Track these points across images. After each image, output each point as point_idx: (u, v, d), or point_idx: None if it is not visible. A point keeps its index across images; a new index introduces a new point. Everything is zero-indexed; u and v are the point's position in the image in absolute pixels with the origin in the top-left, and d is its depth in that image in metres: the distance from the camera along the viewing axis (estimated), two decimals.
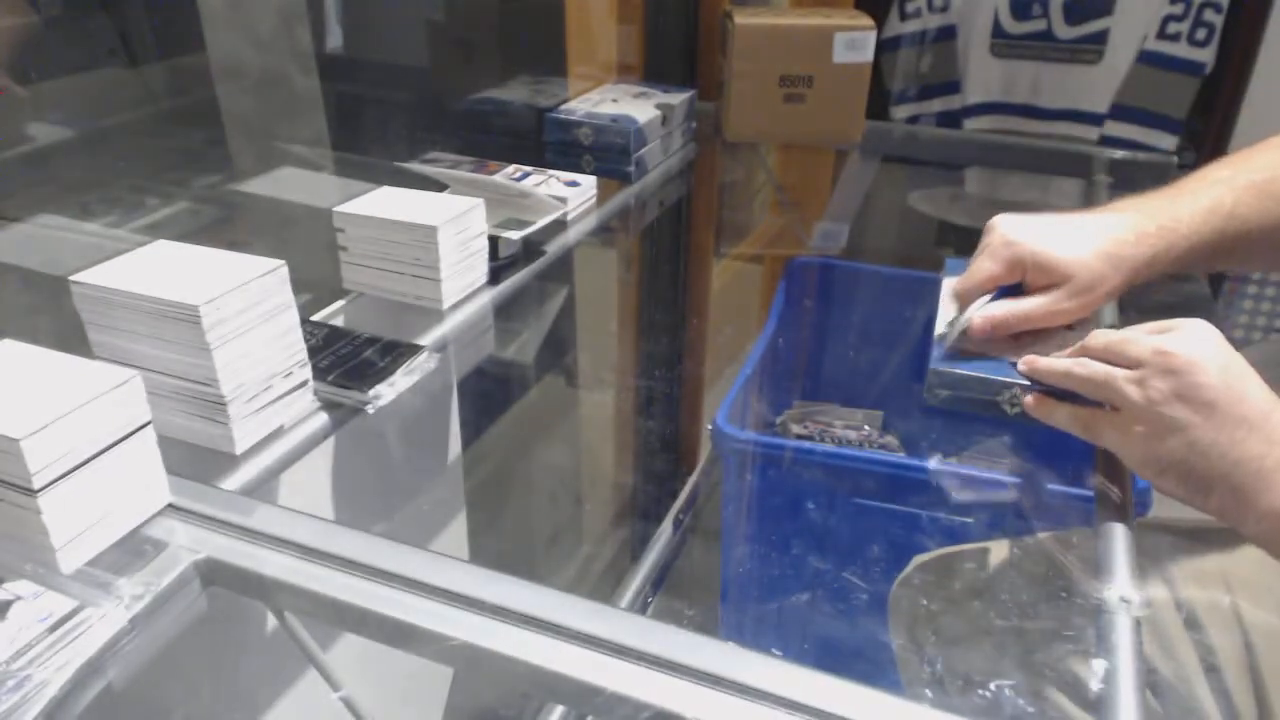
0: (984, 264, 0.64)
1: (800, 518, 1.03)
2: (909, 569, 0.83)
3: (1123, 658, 0.45)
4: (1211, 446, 0.51)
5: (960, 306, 0.64)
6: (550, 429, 1.46)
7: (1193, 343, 0.52)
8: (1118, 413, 0.54)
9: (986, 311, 0.62)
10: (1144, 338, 0.54)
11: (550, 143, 1.07)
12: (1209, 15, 1.71)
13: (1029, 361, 0.60)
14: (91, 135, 0.80)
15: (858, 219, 1.47)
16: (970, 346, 0.63)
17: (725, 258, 1.76)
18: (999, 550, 0.78)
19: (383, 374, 0.61)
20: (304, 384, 0.59)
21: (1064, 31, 1.80)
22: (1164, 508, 0.74)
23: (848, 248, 1.41)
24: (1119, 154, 1.14)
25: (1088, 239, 0.62)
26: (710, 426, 1.03)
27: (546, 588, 0.44)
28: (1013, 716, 0.61)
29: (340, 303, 0.75)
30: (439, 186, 0.91)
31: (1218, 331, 0.53)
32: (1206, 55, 1.74)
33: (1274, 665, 0.61)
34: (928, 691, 0.78)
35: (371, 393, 0.60)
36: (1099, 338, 0.57)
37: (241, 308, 0.53)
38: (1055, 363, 0.58)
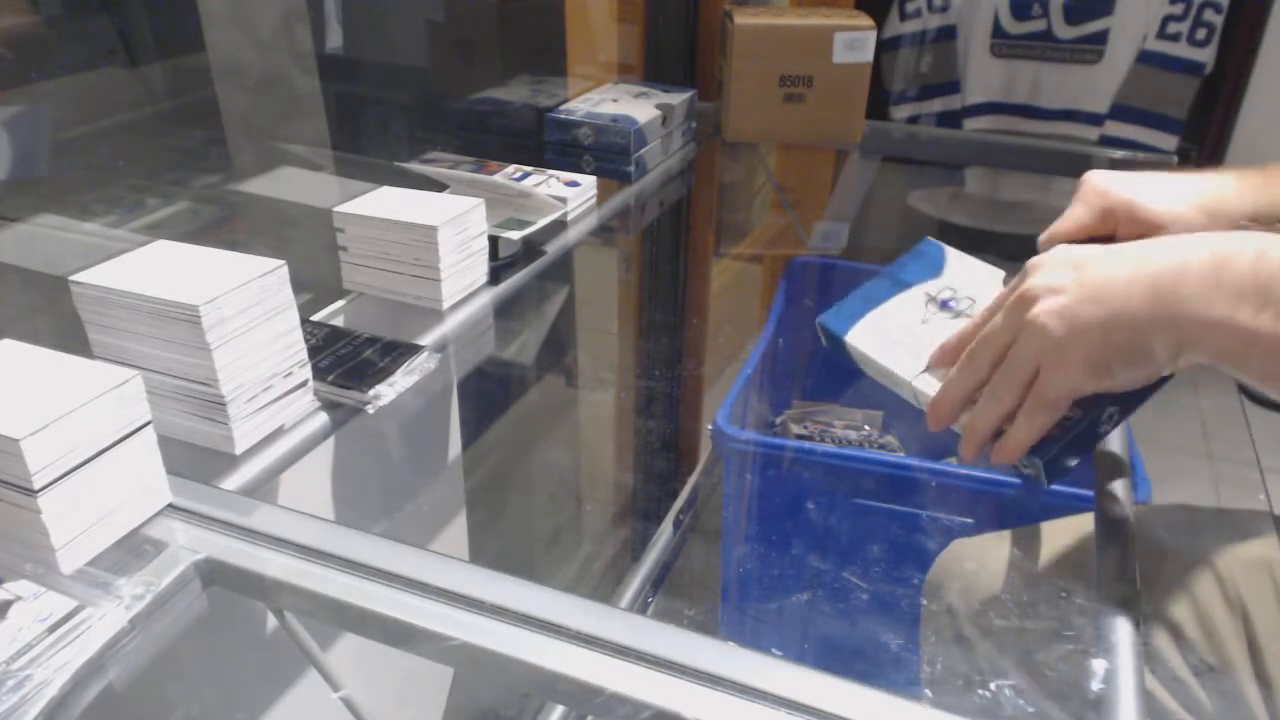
0: (1075, 211, 0.62)
1: (800, 518, 1.04)
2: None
3: (1123, 658, 0.45)
4: (1115, 285, 0.49)
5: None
6: (550, 429, 1.46)
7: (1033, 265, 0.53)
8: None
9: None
10: (1000, 314, 0.54)
11: (550, 143, 1.07)
12: (1209, 15, 1.71)
13: (933, 405, 0.57)
14: (91, 135, 0.80)
15: (858, 219, 1.47)
16: None
17: (725, 258, 1.76)
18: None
19: (383, 374, 0.61)
20: (304, 384, 0.59)
21: (1064, 31, 1.80)
22: (1174, 494, 0.74)
23: (848, 248, 1.41)
24: (1119, 154, 1.14)
25: (1184, 192, 0.61)
26: (710, 426, 1.03)
27: (546, 588, 0.44)
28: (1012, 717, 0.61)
29: (340, 303, 0.75)
30: (439, 186, 0.91)
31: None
32: (1206, 55, 1.74)
33: None
34: (927, 691, 0.78)
35: (371, 393, 0.60)
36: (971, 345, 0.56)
37: (241, 308, 0.53)
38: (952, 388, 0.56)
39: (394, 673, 0.86)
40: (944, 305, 0.64)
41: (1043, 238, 0.63)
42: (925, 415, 0.58)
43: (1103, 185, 0.62)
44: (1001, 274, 0.63)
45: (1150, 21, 1.74)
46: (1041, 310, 0.51)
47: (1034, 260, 0.54)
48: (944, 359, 0.59)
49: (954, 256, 0.66)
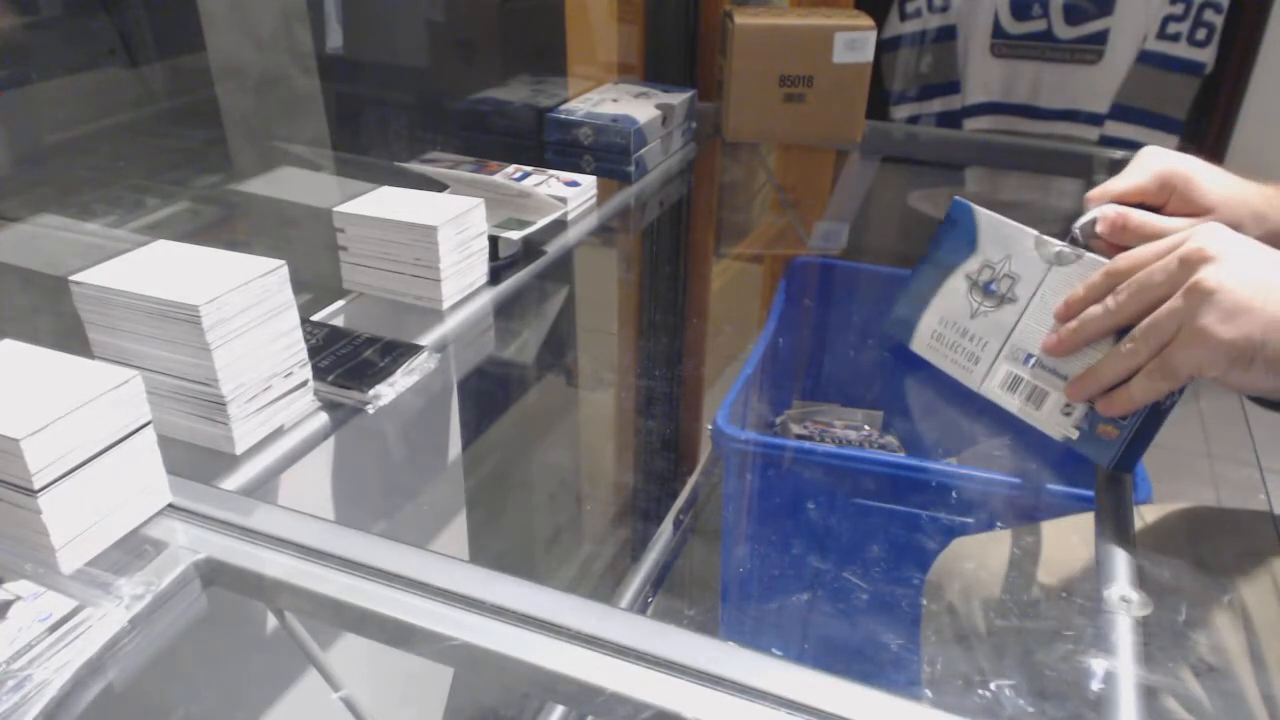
0: (1132, 174, 0.61)
1: (800, 518, 1.04)
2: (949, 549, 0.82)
3: (1123, 658, 0.45)
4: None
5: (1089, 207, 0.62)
6: (550, 429, 1.46)
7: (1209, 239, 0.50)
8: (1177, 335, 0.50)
9: (1122, 211, 0.59)
10: (1161, 264, 0.51)
11: (550, 143, 1.07)
12: (1209, 15, 1.71)
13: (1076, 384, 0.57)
14: (91, 135, 0.80)
15: (858, 219, 1.47)
16: (1092, 245, 0.61)
17: (725, 258, 1.76)
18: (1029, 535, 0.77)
19: (383, 374, 0.61)
20: (304, 384, 0.59)
21: (1064, 31, 1.80)
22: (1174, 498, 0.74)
23: (848, 248, 1.41)
24: (1119, 154, 1.14)
25: (1239, 185, 0.60)
26: (710, 426, 1.03)
27: (546, 588, 0.44)
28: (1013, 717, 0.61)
29: (340, 303, 0.75)
30: (439, 186, 0.91)
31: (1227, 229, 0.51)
32: (1206, 55, 1.74)
33: None
34: (927, 691, 0.78)
35: (371, 393, 0.60)
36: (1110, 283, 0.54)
37: (242, 308, 0.53)
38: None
39: (394, 673, 0.86)
40: (987, 290, 0.64)
41: (1094, 193, 0.62)
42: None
43: (1162, 155, 0.61)
44: (1034, 233, 0.63)
45: (1150, 21, 1.74)
46: (1211, 275, 0.48)
47: (1205, 228, 0.51)
48: (1069, 312, 0.58)
49: (985, 221, 0.66)
